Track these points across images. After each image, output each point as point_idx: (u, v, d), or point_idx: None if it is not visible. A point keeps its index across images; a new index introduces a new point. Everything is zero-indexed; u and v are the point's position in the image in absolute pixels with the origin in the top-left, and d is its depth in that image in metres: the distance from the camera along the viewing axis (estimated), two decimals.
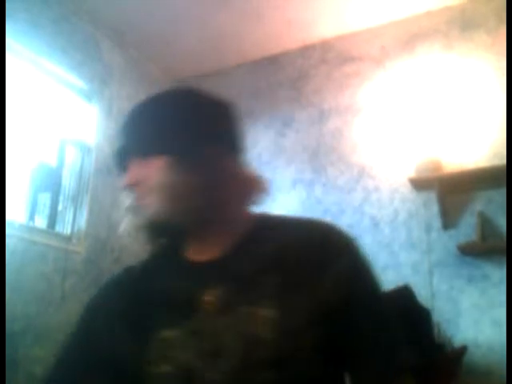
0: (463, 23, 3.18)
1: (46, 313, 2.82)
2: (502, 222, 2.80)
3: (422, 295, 2.70)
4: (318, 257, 0.82)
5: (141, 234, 0.86)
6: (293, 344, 0.74)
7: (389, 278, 2.91)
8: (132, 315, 0.85)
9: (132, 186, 0.87)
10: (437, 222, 2.95)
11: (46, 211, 3.11)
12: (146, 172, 0.85)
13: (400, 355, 0.82)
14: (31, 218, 2.99)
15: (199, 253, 0.88)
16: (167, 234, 0.88)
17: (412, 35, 3.32)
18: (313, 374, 0.76)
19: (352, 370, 0.82)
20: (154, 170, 0.84)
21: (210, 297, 0.80)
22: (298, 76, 3.69)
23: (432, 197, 2.98)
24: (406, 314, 2.18)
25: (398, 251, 3.02)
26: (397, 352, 0.82)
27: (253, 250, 0.85)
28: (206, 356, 0.76)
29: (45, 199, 3.12)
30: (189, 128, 0.87)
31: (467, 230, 2.86)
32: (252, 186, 0.94)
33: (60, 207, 3.20)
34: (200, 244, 0.89)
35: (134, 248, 3.51)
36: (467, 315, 2.76)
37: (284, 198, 3.45)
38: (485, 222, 2.82)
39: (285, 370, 0.73)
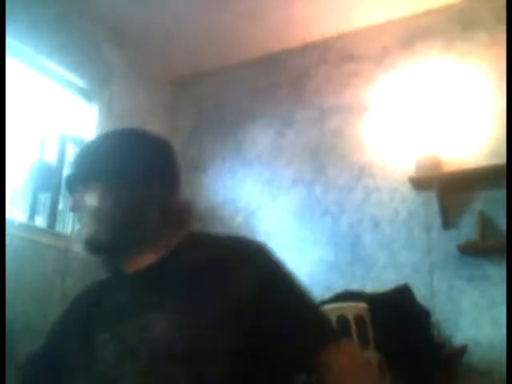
0: (463, 22, 3.18)
1: (46, 313, 2.81)
2: (502, 221, 2.79)
3: (422, 295, 2.70)
4: (228, 268, 0.93)
5: (86, 252, 1.02)
6: (199, 343, 0.85)
7: (389, 278, 2.91)
8: (84, 326, 1.00)
9: (74, 209, 1.04)
10: (437, 222, 2.95)
11: (46, 211, 3.11)
12: (86, 197, 1.02)
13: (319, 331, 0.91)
14: (31, 217, 2.99)
15: (129, 267, 1.03)
16: (103, 251, 1.02)
17: (412, 34, 3.32)
18: (228, 369, 0.85)
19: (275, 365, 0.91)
20: (92, 196, 1.01)
21: (131, 303, 0.95)
22: (298, 75, 3.68)
23: (432, 196, 2.98)
24: (406, 313, 2.19)
25: (398, 251, 3.02)
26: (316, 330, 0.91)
27: (170, 263, 0.99)
28: (122, 356, 0.89)
29: (45, 199, 3.12)
30: (127, 163, 1.03)
31: (467, 229, 2.86)
32: (180, 214, 1.07)
33: (60, 207, 3.20)
34: (130, 259, 1.03)
35: None
36: (467, 315, 2.76)
37: (284, 198, 3.45)
38: (485, 222, 2.82)
39: (192, 365, 0.84)
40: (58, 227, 3.15)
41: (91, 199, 1.01)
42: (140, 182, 1.02)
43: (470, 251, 2.82)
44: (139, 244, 1.01)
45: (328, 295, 2.51)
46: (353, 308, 2.14)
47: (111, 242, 0.99)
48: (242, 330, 0.87)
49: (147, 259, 1.01)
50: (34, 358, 1.06)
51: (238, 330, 0.86)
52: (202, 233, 1.08)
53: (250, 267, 0.93)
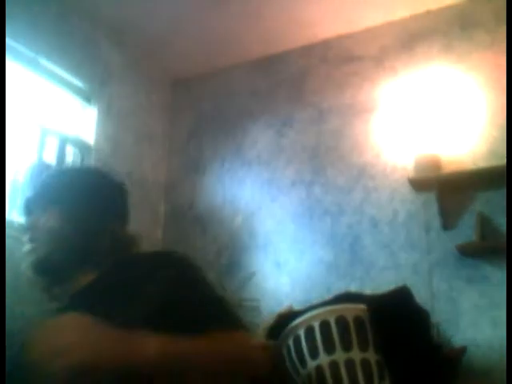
0: (463, 23, 3.18)
1: (46, 313, 2.81)
2: (501, 222, 2.79)
3: (422, 295, 2.70)
4: (148, 277, 1.05)
5: (33, 273, 1.11)
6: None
7: (388, 279, 2.91)
8: None
9: (30, 229, 1.12)
10: (436, 223, 2.95)
11: None
12: (43, 219, 1.12)
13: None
14: None
15: (75, 285, 1.13)
16: (51, 272, 1.12)
17: (412, 35, 3.32)
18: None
19: None
20: (51, 218, 1.11)
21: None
22: (297, 76, 3.68)
23: (431, 197, 2.98)
24: (405, 314, 2.19)
25: (398, 251, 3.02)
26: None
27: (100, 281, 1.11)
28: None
29: None
30: (87, 194, 1.17)
31: (467, 230, 2.86)
32: (127, 244, 1.20)
33: None
34: (77, 278, 1.13)
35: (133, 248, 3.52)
36: (467, 315, 2.76)
37: (284, 198, 3.45)
38: (484, 223, 2.81)
39: None
40: None
41: (49, 221, 1.11)
42: (96, 212, 1.16)
43: (470, 252, 2.82)
44: (86, 267, 1.13)
45: (327, 296, 2.51)
46: (352, 309, 2.14)
47: (62, 264, 1.10)
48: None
49: (87, 278, 1.13)
50: None
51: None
52: (136, 253, 1.22)
53: (166, 273, 1.05)
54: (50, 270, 1.11)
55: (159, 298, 1.00)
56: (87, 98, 3.45)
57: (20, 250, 2.78)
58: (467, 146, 3.00)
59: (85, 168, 1.33)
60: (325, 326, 2.07)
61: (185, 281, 1.05)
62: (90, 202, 1.16)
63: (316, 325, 2.08)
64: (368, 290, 2.71)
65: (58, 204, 1.13)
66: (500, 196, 2.79)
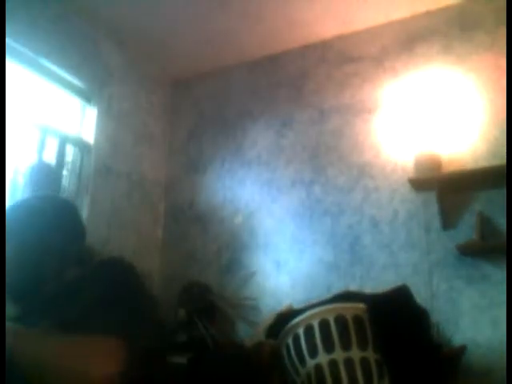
0: (463, 23, 3.18)
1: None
2: (501, 221, 2.79)
3: (422, 295, 2.70)
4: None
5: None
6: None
7: (388, 278, 2.91)
8: None
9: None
10: (436, 222, 2.95)
11: None
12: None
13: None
14: None
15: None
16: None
17: (411, 35, 3.32)
18: None
19: None
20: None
21: None
22: (297, 76, 3.69)
23: (432, 197, 2.98)
24: (404, 313, 2.19)
25: (398, 251, 3.01)
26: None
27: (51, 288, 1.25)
28: None
29: None
30: (31, 225, 1.28)
31: (467, 230, 2.86)
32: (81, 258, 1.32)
33: None
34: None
35: (133, 248, 3.52)
36: (467, 315, 2.75)
37: (284, 198, 3.45)
38: (484, 222, 2.81)
39: None
40: None
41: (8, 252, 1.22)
42: (41, 237, 1.26)
43: (470, 252, 2.82)
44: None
45: (327, 295, 2.51)
46: (351, 308, 2.14)
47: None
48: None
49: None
50: None
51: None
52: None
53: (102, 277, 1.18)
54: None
55: (90, 300, 1.10)
56: (87, 98, 3.45)
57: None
58: (467, 145, 3.00)
59: (29, 200, 1.36)
60: (324, 324, 2.07)
61: (117, 286, 1.15)
62: (32, 232, 1.26)
63: (315, 324, 2.08)
64: (368, 290, 2.71)
65: (11, 240, 1.23)
66: (500, 196, 2.79)
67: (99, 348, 1.00)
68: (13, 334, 0.95)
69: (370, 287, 2.84)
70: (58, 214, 1.31)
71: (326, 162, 3.40)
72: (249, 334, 3.14)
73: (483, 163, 2.88)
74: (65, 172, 3.27)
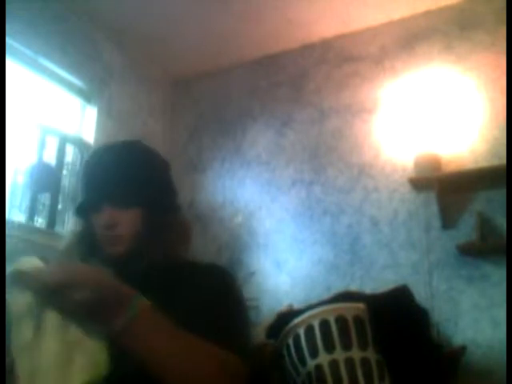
0: (462, 23, 3.18)
1: None
2: (501, 221, 2.79)
3: (422, 295, 2.70)
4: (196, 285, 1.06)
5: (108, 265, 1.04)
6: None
7: (388, 278, 2.91)
8: None
9: (110, 228, 1.06)
10: (436, 222, 2.95)
11: (46, 211, 3.11)
12: (120, 219, 1.07)
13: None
14: (31, 217, 2.99)
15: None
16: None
17: (411, 35, 3.32)
18: None
19: None
20: (128, 220, 1.07)
21: None
22: (297, 76, 3.69)
23: (431, 197, 2.98)
24: (405, 314, 2.19)
25: (398, 251, 3.02)
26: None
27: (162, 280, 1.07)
28: None
29: (44, 199, 3.13)
30: (153, 183, 1.12)
31: (467, 230, 2.86)
32: (185, 234, 1.20)
33: (60, 207, 3.20)
34: None
35: None
36: (467, 315, 2.76)
37: (284, 198, 3.45)
38: (484, 222, 2.81)
39: None
40: (58, 228, 3.15)
41: (127, 224, 1.07)
42: (169, 207, 1.15)
43: (470, 252, 2.82)
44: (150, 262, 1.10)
45: (327, 295, 2.51)
46: (352, 309, 2.14)
47: (135, 260, 1.07)
48: None
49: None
50: None
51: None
52: (188, 259, 1.19)
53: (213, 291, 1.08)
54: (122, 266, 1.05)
55: (192, 303, 0.99)
56: (87, 98, 3.45)
57: (20, 249, 2.76)
58: (467, 145, 3.00)
59: (132, 149, 1.17)
60: (325, 325, 2.08)
61: (220, 293, 1.06)
62: (163, 198, 1.14)
63: (316, 324, 2.08)
64: (368, 290, 2.72)
65: (138, 205, 1.09)
66: (500, 196, 2.79)
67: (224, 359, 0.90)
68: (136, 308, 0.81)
69: (370, 287, 2.84)
70: None
71: (326, 162, 3.40)
72: None
73: (483, 163, 2.88)
74: (65, 172, 3.27)
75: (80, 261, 1.11)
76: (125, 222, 1.07)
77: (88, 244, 1.13)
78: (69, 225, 3.20)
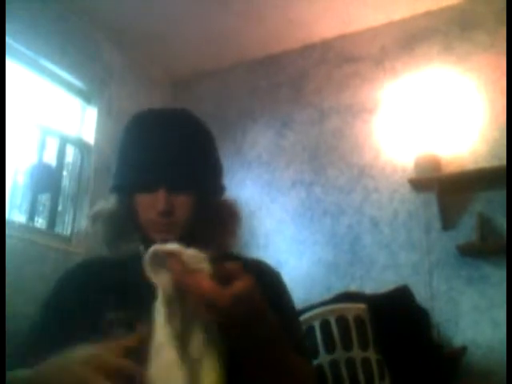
0: (463, 23, 3.18)
1: None
2: (501, 222, 2.79)
3: (422, 296, 2.70)
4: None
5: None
6: None
7: (388, 278, 2.91)
8: (86, 302, 0.94)
9: (168, 214, 0.95)
10: (436, 223, 2.95)
11: (46, 212, 3.12)
12: (176, 204, 0.96)
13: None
14: (31, 218, 2.99)
15: None
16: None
17: (412, 35, 3.32)
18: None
19: None
20: (182, 205, 0.96)
21: None
22: (297, 76, 3.69)
23: (432, 197, 2.98)
24: (405, 314, 2.19)
25: (398, 251, 3.02)
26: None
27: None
28: None
29: (44, 200, 3.13)
30: (209, 162, 1.02)
31: (467, 230, 2.86)
32: (235, 221, 1.12)
33: (60, 208, 3.20)
34: None
35: None
36: (467, 316, 2.76)
37: (284, 198, 3.46)
38: (484, 223, 2.82)
39: None
40: (58, 228, 3.16)
41: (183, 209, 0.96)
42: (220, 189, 1.07)
43: (470, 252, 2.82)
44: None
45: (327, 295, 2.51)
46: (352, 309, 2.14)
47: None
48: None
49: None
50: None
51: None
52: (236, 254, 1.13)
53: (270, 286, 0.98)
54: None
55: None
56: (87, 98, 3.45)
57: (20, 249, 2.76)
58: (467, 146, 3.01)
59: (189, 122, 1.07)
60: (325, 325, 2.07)
61: (280, 293, 1.03)
62: (215, 183, 1.05)
63: (316, 324, 2.08)
64: (368, 290, 2.72)
65: (187, 188, 0.97)
66: (500, 196, 2.79)
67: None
68: None
69: (370, 287, 2.85)
70: None
71: (326, 162, 3.40)
72: None
73: (483, 164, 2.88)
74: (65, 172, 3.27)
75: (107, 244, 1.05)
76: (179, 207, 0.96)
77: (121, 225, 1.02)
78: (69, 225, 3.20)
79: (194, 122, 1.07)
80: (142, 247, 0.99)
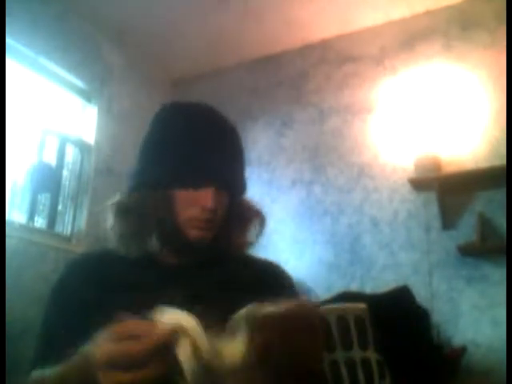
0: (463, 22, 3.18)
1: None
2: (501, 222, 2.79)
3: (422, 295, 2.70)
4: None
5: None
6: None
7: (388, 278, 2.91)
8: (95, 299, 0.91)
9: (213, 212, 0.95)
10: (436, 223, 2.95)
11: (46, 211, 3.11)
12: (218, 203, 0.95)
13: None
14: (31, 218, 2.99)
15: (173, 259, 1.00)
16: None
17: (412, 35, 3.32)
18: None
19: None
20: (223, 205, 0.97)
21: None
22: (297, 76, 3.69)
23: (432, 197, 2.98)
24: (405, 314, 2.19)
25: (398, 251, 3.02)
26: None
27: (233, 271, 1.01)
28: None
29: (44, 199, 3.12)
30: (244, 166, 1.03)
31: (467, 230, 2.86)
32: (260, 220, 1.06)
33: (60, 207, 3.20)
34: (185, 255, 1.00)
35: None
36: (467, 315, 2.76)
37: (284, 198, 3.45)
38: (484, 223, 2.82)
39: None
40: (58, 228, 3.16)
41: (222, 208, 0.97)
42: (245, 187, 1.05)
43: (470, 252, 2.82)
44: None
45: (328, 295, 2.52)
46: (352, 309, 2.14)
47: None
48: None
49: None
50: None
51: None
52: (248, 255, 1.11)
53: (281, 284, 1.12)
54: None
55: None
56: (88, 98, 3.45)
57: (20, 249, 2.76)
58: (467, 146, 3.01)
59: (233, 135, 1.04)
60: (325, 325, 2.07)
61: (291, 295, 1.05)
62: (242, 174, 1.02)
63: None
64: (368, 290, 2.72)
65: (226, 187, 0.97)
66: (500, 196, 2.79)
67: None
68: None
69: (370, 287, 2.85)
70: None
71: (326, 161, 3.40)
72: None
73: (483, 163, 2.88)
74: (65, 172, 3.27)
75: (121, 238, 1.02)
76: (220, 205, 0.96)
77: (141, 222, 0.98)
78: (69, 225, 3.20)
79: (228, 120, 1.06)
80: (157, 246, 0.97)
